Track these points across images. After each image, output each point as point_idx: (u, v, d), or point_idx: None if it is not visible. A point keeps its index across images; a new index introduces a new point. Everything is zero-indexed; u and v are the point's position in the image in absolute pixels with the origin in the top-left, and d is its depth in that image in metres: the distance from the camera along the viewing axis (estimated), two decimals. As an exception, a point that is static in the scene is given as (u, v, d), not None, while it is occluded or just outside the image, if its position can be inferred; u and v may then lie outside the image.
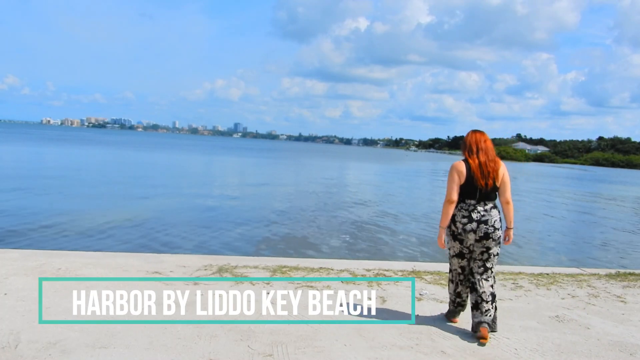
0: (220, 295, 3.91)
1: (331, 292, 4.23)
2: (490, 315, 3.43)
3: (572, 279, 5.31)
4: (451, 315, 3.73)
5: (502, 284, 4.89)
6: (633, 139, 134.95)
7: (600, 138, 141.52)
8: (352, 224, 11.47)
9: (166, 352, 2.83)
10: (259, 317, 3.47)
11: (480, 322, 3.37)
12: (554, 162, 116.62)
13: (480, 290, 3.46)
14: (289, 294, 4.08)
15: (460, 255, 3.56)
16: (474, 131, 3.68)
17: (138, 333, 3.07)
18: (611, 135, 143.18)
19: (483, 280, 3.49)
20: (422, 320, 3.65)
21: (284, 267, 5.00)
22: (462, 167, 3.48)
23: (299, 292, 4.16)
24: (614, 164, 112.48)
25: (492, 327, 3.44)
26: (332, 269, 5.03)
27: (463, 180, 3.46)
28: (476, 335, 3.37)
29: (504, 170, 3.54)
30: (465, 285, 3.61)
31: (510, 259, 8.86)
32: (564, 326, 3.72)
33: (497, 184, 3.48)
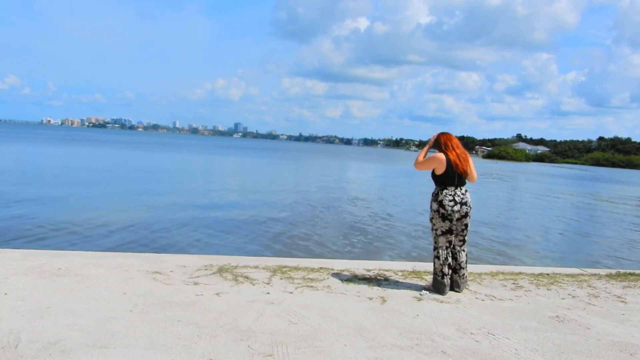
0: (221, 295, 3.92)
1: (331, 292, 4.24)
2: (466, 278, 4.51)
3: (573, 279, 5.31)
4: (439, 286, 4.36)
5: (502, 284, 4.89)
6: (633, 139, 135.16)
7: (601, 138, 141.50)
8: (353, 223, 11.47)
9: (166, 352, 2.83)
10: (259, 317, 3.47)
11: (460, 285, 4.43)
12: (554, 162, 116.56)
13: (460, 260, 4.43)
14: (289, 294, 4.09)
15: (449, 232, 4.35)
16: (443, 133, 4.53)
17: (138, 333, 3.07)
18: (611, 136, 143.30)
19: (462, 251, 4.45)
20: (422, 320, 3.66)
21: (284, 267, 5.00)
22: (443, 158, 4.32)
23: (300, 292, 4.17)
24: (614, 164, 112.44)
25: (466, 286, 4.51)
26: (332, 269, 5.03)
27: (443, 169, 4.30)
28: (456, 290, 4.42)
29: (471, 159, 4.51)
30: (448, 258, 4.37)
31: (511, 259, 8.86)
32: (564, 326, 3.72)
33: (467, 169, 4.38)
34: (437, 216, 4.34)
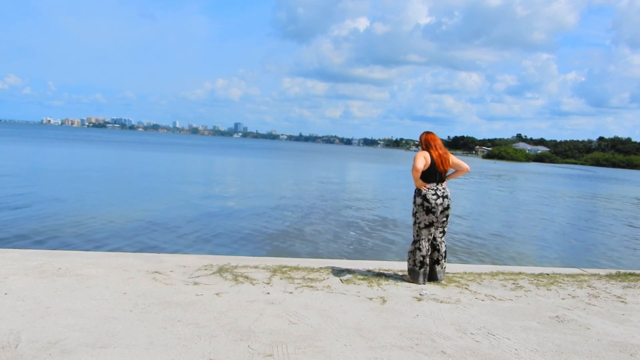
0: (221, 295, 3.92)
1: (331, 292, 4.24)
2: (445, 269, 4.83)
3: (573, 279, 5.31)
4: (417, 276, 4.66)
5: (502, 284, 4.90)
6: (633, 139, 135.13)
7: (601, 138, 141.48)
8: (353, 224, 11.47)
9: (166, 352, 2.83)
10: (259, 317, 3.47)
11: (440, 276, 4.74)
12: (554, 163, 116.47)
13: (442, 250, 4.76)
14: (289, 294, 4.09)
15: (431, 225, 4.68)
16: (427, 132, 4.83)
17: (138, 333, 3.07)
18: (611, 136, 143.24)
19: (442, 242, 4.78)
20: (422, 320, 3.66)
21: (284, 267, 5.00)
22: (428, 155, 4.67)
23: (300, 292, 4.17)
24: (614, 164, 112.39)
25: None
26: (332, 269, 5.03)
27: (428, 164, 4.63)
28: (439, 282, 4.71)
29: (452, 156, 4.84)
30: (428, 249, 4.68)
31: (511, 258, 8.86)
32: (564, 326, 3.72)
33: (447, 169, 4.74)
34: (422, 210, 4.66)
